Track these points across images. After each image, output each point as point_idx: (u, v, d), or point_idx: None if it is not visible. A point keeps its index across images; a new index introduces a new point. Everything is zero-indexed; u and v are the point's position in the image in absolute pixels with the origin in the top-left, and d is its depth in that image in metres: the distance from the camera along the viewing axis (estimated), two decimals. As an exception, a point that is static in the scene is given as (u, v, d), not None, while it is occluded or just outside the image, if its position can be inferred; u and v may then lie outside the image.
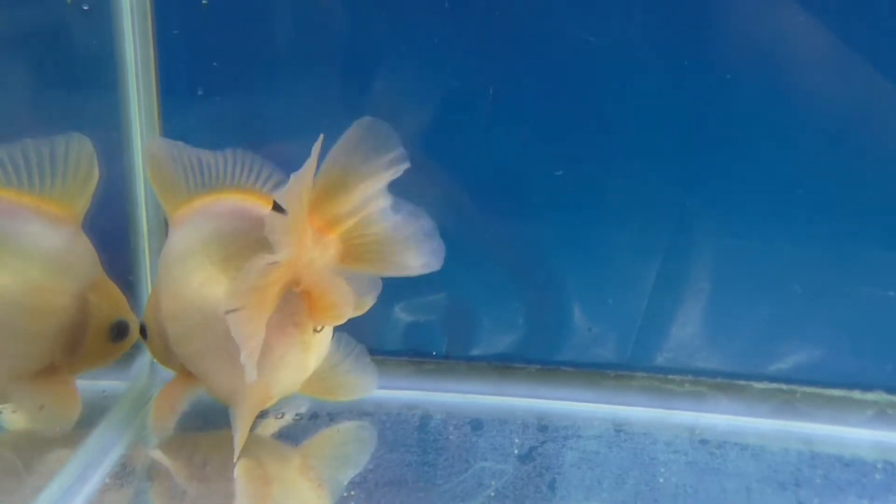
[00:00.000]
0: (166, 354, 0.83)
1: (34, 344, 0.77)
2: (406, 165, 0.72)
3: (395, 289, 0.93)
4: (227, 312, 0.67)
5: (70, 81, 0.89)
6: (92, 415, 0.85)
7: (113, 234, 0.93)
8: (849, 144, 0.85)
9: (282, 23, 0.89)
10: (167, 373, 0.94)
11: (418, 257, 0.74)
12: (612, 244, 0.91)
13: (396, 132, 0.72)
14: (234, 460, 0.78)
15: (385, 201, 0.73)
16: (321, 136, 0.67)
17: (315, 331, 0.75)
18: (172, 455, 0.85)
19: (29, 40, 0.87)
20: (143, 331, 0.83)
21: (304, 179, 0.67)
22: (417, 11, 0.87)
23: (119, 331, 0.81)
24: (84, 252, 0.79)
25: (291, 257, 0.69)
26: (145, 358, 0.95)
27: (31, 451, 0.83)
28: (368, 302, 0.76)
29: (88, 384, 0.88)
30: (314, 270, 0.72)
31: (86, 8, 0.86)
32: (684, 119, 0.87)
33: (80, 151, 0.78)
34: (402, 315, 0.95)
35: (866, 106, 0.84)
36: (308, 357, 0.77)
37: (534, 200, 0.91)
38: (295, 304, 0.73)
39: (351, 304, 0.72)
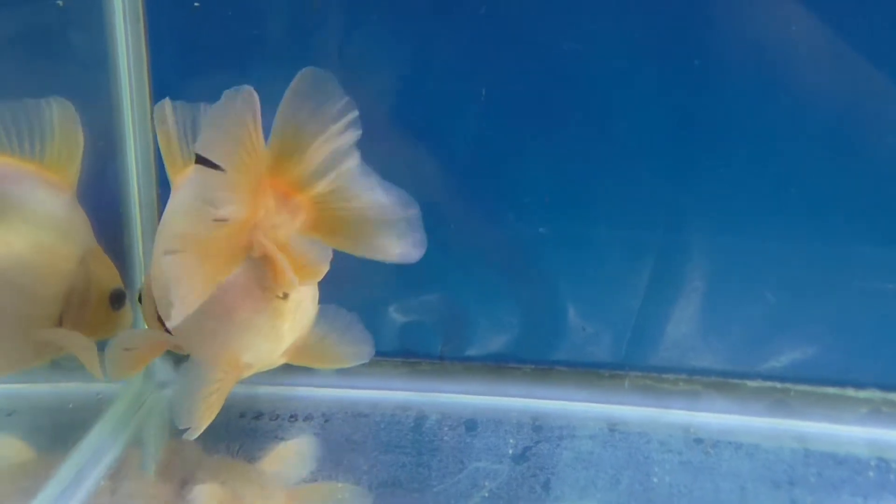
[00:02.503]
0: (156, 318, 0.81)
1: (44, 307, 0.78)
2: (355, 114, 0.69)
3: (388, 290, 0.94)
4: (165, 253, 0.66)
5: (62, 83, 0.88)
6: (87, 417, 0.85)
7: (106, 239, 0.93)
8: (840, 143, 0.85)
9: (274, 24, 0.88)
10: (163, 374, 0.95)
11: (398, 246, 0.70)
12: (605, 244, 0.91)
13: (337, 81, 0.68)
14: (188, 426, 0.75)
15: (353, 160, 0.69)
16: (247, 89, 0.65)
17: (280, 296, 0.73)
18: (168, 457, 0.85)
19: (19, 41, 0.87)
20: (140, 297, 0.84)
21: (222, 127, 0.64)
22: (408, 12, 0.87)
23: (118, 298, 0.82)
24: (83, 219, 0.81)
25: (243, 218, 0.67)
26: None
27: (26, 453, 0.83)
28: (322, 271, 0.71)
29: (83, 387, 0.89)
30: (279, 237, 0.69)
31: (60, 3, 0.86)
32: (676, 117, 0.87)
33: (65, 116, 0.79)
34: (396, 316, 0.95)
35: (858, 104, 0.84)
36: (281, 324, 0.75)
37: (526, 200, 0.91)
38: (261, 268, 0.71)
39: (318, 268, 0.70)
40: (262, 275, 0.71)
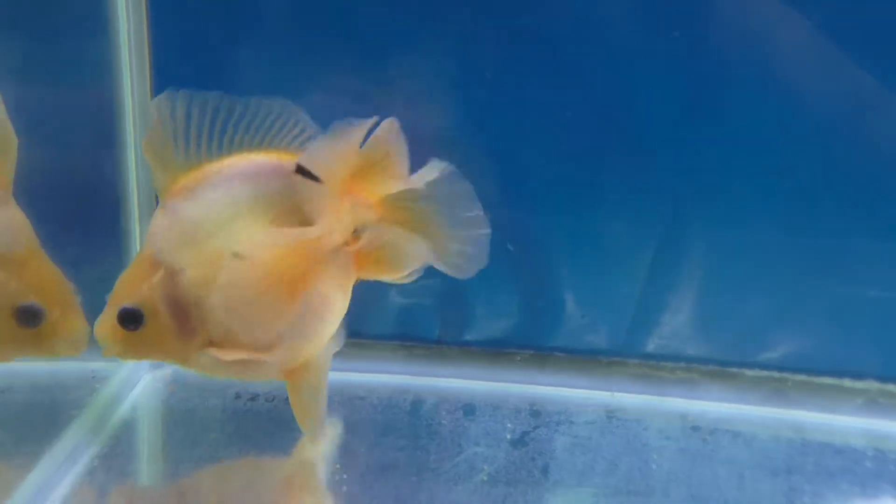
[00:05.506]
0: (175, 339, 0.73)
1: None
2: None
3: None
4: (233, 254, 0.68)
5: (61, 71, 0.88)
6: (81, 395, 0.84)
7: (103, 223, 0.92)
8: (841, 134, 0.85)
9: (277, 8, 0.88)
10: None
11: (456, 257, 0.75)
12: (606, 231, 0.91)
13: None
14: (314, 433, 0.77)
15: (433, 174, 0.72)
16: (374, 119, 0.69)
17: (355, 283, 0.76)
18: (163, 438, 0.85)
19: (18, 27, 0.86)
20: (136, 317, 0.72)
21: (337, 148, 0.68)
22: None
23: (27, 315, 0.72)
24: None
25: (326, 229, 0.70)
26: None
27: (20, 430, 0.82)
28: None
29: (78, 365, 0.88)
30: (371, 229, 0.73)
31: None
32: (678, 109, 0.87)
33: None
34: (394, 299, 0.94)
35: (858, 97, 0.84)
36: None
37: (528, 187, 0.91)
38: (344, 260, 0.73)
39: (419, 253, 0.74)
40: (344, 264, 0.73)
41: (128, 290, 0.72)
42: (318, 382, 0.77)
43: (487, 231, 0.74)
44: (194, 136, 0.72)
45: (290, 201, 0.71)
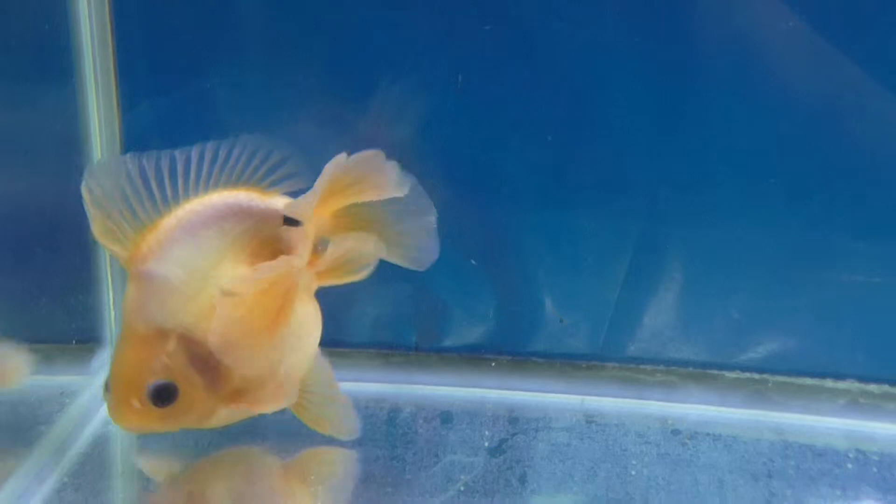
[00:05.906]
0: (209, 395, 0.71)
1: None
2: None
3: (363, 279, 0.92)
4: (224, 293, 0.67)
5: (22, 73, 0.86)
6: (49, 412, 0.83)
7: (70, 240, 0.90)
8: (820, 134, 0.84)
9: (246, 5, 0.87)
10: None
11: (414, 251, 0.77)
12: (583, 235, 0.90)
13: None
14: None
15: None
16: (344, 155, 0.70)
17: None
18: (133, 453, 0.83)
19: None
20: (170, 391, 0.69)
21: (318, 195, 0.69)
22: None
23: None
24: None
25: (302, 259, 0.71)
26: (105, 352, 0.93)
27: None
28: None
29: (45, 380, 0.87)
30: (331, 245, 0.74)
31: None
32: (656, 109, 0.86)
33: None
34: (370, 306, 0.93)
35: (838, 95, 0.83)
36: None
37: (504, 190, 0.90)
38: (307, 273, 0.74)
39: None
40: (308, 278, 0.74)
41: (141, 372, 0.69)
42: (322, 392, 0.77)
43: (434, 217, 0.76)
44: (136, 205, 0.69)
45: (258, 237, 0.71)
